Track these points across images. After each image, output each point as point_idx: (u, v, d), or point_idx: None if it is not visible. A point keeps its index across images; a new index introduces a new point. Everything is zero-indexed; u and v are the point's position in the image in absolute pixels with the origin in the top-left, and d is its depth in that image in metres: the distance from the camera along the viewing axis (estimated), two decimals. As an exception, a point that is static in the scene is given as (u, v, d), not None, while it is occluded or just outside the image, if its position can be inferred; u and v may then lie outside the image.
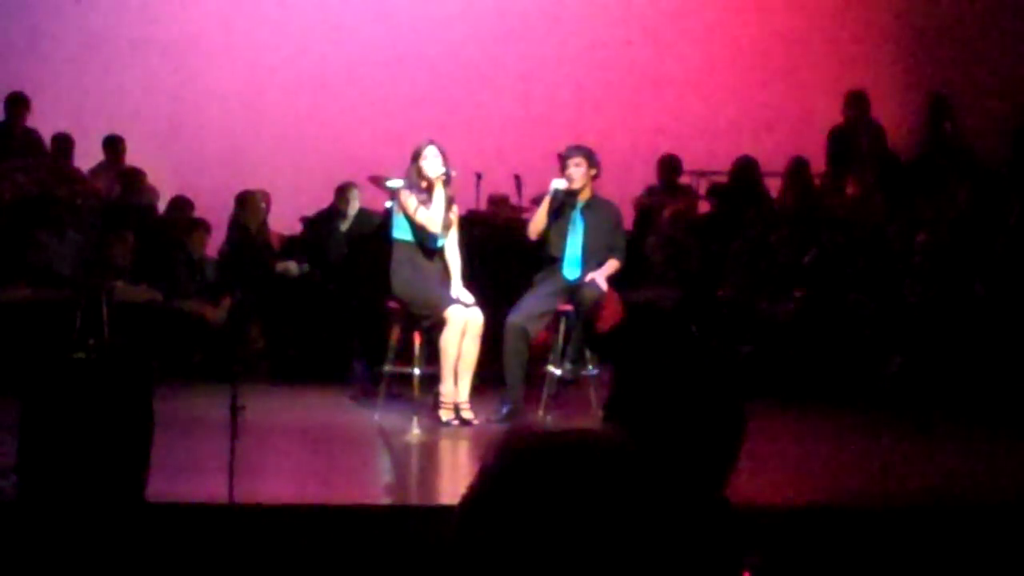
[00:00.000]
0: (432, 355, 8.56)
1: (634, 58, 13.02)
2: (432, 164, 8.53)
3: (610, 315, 9.18)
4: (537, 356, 8.87)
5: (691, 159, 12.03)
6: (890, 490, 6.80)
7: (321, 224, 11.43)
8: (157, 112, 12.42)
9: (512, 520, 1.35)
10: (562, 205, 8.83)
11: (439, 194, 8.52)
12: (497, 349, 8.70)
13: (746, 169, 11.63)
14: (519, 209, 10.84)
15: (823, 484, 7.02)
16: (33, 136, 11.81)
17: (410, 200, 8.54)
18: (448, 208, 8.59)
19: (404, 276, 8.59)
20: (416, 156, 8.58)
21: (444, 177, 8.52)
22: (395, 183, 8.80)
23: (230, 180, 11.57)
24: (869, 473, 7.31)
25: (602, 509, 1.35)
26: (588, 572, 1.33)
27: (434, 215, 8.52)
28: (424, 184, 8.55)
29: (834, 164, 11.79)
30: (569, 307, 8.73)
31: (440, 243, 8.63)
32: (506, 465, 1.40)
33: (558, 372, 8.75)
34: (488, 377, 8.83)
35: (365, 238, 10.90)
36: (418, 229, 8.56)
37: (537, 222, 8.87)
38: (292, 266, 11.18)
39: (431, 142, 8.62)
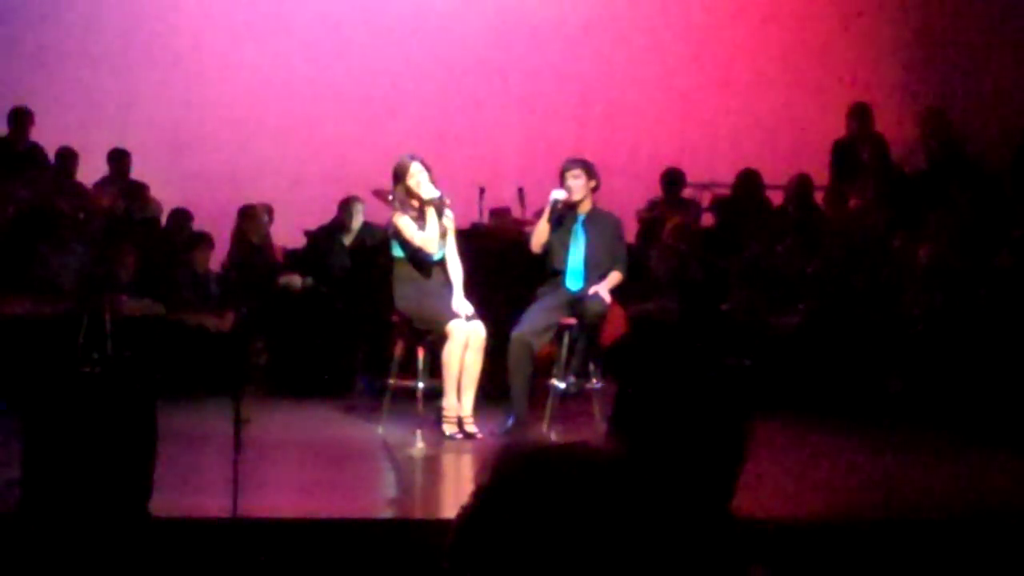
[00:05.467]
0: (435, 369, 8.55)
1: (637, 71, 13.02)
2: (424, 185, 8.48)
3: (613, 328, 9.16)
4: (541, 369, 8.85)
5: (694, 172, 12.03)
6: (894, 504, 6.79)
7: (324, 238, 11.42)
8: (161, 126, 12.42)
9: (507, 537, 1.35)
10: (563, 218, 8.83)
11: (432, 213, 8.47)
12: (501, 362, 8.68)
13: (749, 182, 11.62)
14: (522, 222, 10.81)
15: (827, 498, 7.01)
16: (37, 150, 11.82)
17: (406, 225, 8.47)
18: (441, 217, 8.54)
19: (406, 292, 8.57)
20: (401, 176, 8.50)
21: (438, 201, 8.47)
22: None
23: (234, 193, 11.57)
24: (873, 487, 7.29)
25: (598, 524, 1.34)
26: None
27: (430, 236, 8.47)
28: (416, 204, 8.51)
29: (837, 177, 11.77)
30: (572, 320, 8.71)
31: (439, 256, 8.60)
32: (500, 482, 1.40)
33: (562, 385, 8.73)
34: (492, 391, 8.81)
35: (368, 252, 10.89)
36: (416, 251, 8.52)
37: (539, 234, 8.87)
38: (295, 280, 11.17)
39: (413, 158, 8.51)
